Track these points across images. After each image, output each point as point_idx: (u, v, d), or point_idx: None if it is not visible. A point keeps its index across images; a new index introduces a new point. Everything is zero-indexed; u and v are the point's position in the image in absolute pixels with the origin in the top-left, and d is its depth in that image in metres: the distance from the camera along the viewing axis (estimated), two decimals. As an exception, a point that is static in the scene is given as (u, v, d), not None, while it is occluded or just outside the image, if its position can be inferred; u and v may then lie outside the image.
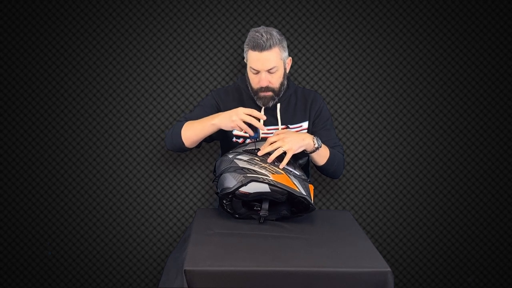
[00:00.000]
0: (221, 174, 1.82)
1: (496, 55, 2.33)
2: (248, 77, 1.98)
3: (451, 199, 2.39)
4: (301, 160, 1.94)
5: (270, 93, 1.95)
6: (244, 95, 2.03)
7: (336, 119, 2.36)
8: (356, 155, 2.37)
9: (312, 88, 2.34)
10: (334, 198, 2.40)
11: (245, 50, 1.94)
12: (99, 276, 2.40)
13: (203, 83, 2.34)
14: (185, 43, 2.32)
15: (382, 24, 2.33)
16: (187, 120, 1.97)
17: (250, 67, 1.92)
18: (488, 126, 2.36)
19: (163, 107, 2.34)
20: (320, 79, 2.34)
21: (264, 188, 1.74)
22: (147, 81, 2.33)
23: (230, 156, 1.82)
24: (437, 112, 2.36)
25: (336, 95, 2.35)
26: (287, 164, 1.79)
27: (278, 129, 2.00)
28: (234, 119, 1.78)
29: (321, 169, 1.99)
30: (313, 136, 1.86)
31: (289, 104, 2.03)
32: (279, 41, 1.90)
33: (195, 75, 2.34)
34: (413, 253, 2.41)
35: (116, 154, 2.36)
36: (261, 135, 1.98)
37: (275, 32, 1.90)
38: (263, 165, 1.76)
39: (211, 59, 2.33)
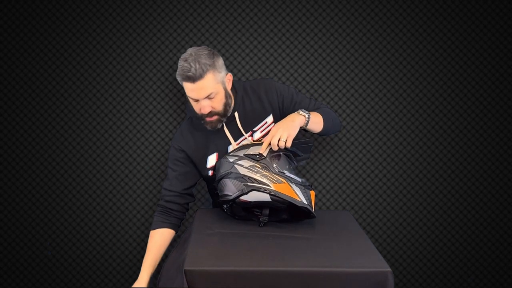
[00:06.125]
0: (221, 179, 1.80)
1: (496, 55, 2.33)
2: (189, 106, 1.94)
3: (451, 199, 2.39)
4: (303, 161, 1.94)
5: (215, 117, 1.89)
6: (200, 125, 1.97)
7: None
8: (356, 155, 2.37)
9: (312, 88, 2.34)
10: (334, 198, 2.40)
11: (179, 81, 1.87)
12: (99, 276, 2.39)
13: (203, 83, 2.34)
14: (185, 43, 2.32)
15: (382, 24, 2.33)
16: (164, 195, 2.00)
17: (189, 96, 1.86)
18: (488, 126, 2.36)
19: (163, 107, 2.34)
20: (320, 79, 2.34)
21: (265, 197, 1.73)
22: (147, 81, 2.33)
23: (231, 160, 1.80)
24: (437, 112, 2.35)
25: (336, 95, 2.35)
26: (289, 170, 1.78)
27: (246, 138, 1.97)
28: None
29: (323, 132, 1.96)
30: (297, 112, 1.83)
31: (244, 107, 1.97)
32: (209, 66, 1.81)
33: (195, 75, 2.34)
34: (413, 253, 2.41)
35: (116, 154, 2.36)
36: (236, 147, 1.94)
37: (203, 58, 1.81)
38: (265, 173, 1.74)
39: (211, 59, 2.33)
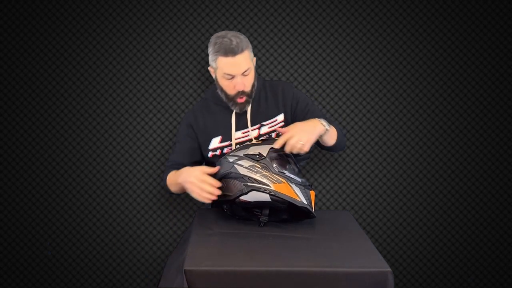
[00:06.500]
0: (220, 179, 1.80)
1: (496, 55, 2.33)
2: (220, 86, 1.95)
3: (451, 199, 2.39)
4: (303, 161, 1.94)
5: (245, 98, 1.93)
6: (213, 108, 2.00)
7: (336, 119, 2.36)
8: (356, 155, 2.37)
9: (312, 88, 2.34)
10: (334, 198, 2.40)
11: (212, 58, 1.90)
12: (99, 276, 2.40)
13: (203, 83, 2.34)
14: (185, 43, 2.32)
15: (382, 24, 2.33)
16: (172, 164, 1.99)
17: (224, 73, 1.89)
18: (488, 126, 2.36)
19: (163, 107, 2.34)
20: (320, 79, 2.34)
21: (265, 197, 1.73)
22: (147, 81, 2.33)
23: (230, 160, 1.80)
24: (437, 112, 2.36)
25: (336, 95, 2.35)
26: (289, 170, 1.78)
27: (249, 131, 1.98)
28: (203, 195, 1.78)
29: (332, 148, 1.96)
30: (318, 119, 1.83)
31: (259, 100, 2.00)
32: (246, 43, 1.89)
33: (195, 75, 2.34)
34: (413, 253, 2.41)
35: (116, 154, 2.36)
36: (237, 140, 1.97)
37: (241, 35, 1.90)
38: (264, 173, 1.74)
39: (211, 59, 2.33)
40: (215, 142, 2.00)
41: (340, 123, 2.36)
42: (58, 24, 2.30)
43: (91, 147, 2.35)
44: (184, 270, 1.48)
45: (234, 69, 1.88)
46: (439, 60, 2.34)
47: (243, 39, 1.89)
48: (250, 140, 1.96)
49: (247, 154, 1.79)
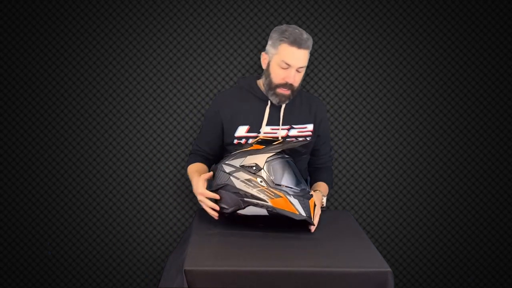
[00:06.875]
0: (217, 190, 1.79)
1: (496, 55, 2.33)
2: (269, 72, 1.97)
3: (451, 199, 2.39)
4: (304, 154, 1.94)
5: (289, 92, 1.96)
6: (247, 96, 2.04)
7: (336, 119, 2.36)
8: (356, 155, 2.37)
9: (312, 88, 2.34)
10: (334, 198, 2.40)
11: (274, 43, 1.93)
12: (99, 276, 2.40)
13: (203, 83, 2.34)
14: (185, 43, 2.32)
15: (382, 24, 2.33)
16: (195, 149, 2.09)
17: (282, 60, 1.92)
18: (488, 126, 2.36)
19: (163, 107, 2.34)
20: (320, 79, 2.34)
21: (262, 212, 1.72)
22: (147, 81, 2.33)
23: (227, 171, 1.77)
24: (437, 112, 2.36)
25: (336, 95, 2.35)
26: (287, 176, 1.76)
27: (278, 129, 2.00)
28: (209, 212, 1.84)
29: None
30: (321, 196, 1.97)
31: (294, 104, 2.04)
32: (311, 44, 1.94)
33: (195, 75, 2.34)
34: (413, 253, 2.41)
35: (116, 154, 2.36)
36: (263, 135, 1.99)
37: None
38: (261, 187, 1.71)
39: (211, 59, 2.33)
40: (241, 130, 2.01)
41: (340, 123, 2.36)
42: (58, 24, 2.30)
43: (91, 147, 2.35)
44: (184, 270, 1.48)
45: (294, 60, 1.91)
46: (439, 60, 2.34)
47: (311, 40, 1.93)
48: (277, 138, 1.98)
49: (243, 165, 1.75)
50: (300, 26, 2.32)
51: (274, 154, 1.76)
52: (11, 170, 2.34)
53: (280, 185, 1.73)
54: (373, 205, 2.39)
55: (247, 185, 1.72)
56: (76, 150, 2.34)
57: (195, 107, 2.34)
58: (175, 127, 2.35)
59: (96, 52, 2.31)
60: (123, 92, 2.33)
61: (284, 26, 1.94)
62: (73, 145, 2.34)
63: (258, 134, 1.99)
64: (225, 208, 1.76)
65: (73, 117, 2.33)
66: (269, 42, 1.96)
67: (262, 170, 1.73)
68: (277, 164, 1.76)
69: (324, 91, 2.35)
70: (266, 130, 1.99)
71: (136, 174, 2.36)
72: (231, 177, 1.75)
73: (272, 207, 1.69)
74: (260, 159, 1.75)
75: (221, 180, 1.77)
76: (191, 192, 2.38)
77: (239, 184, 1.73)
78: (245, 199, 1.71)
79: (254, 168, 1.73)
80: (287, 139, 2.01)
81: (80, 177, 2.36)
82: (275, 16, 2.32)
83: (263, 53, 2.00)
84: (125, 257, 2.39)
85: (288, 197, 1.71)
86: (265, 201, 1.70)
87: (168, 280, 1.61)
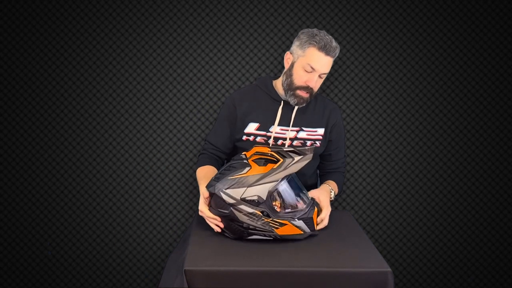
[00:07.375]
0: (219, 216, 1.72)
1: (496, 55, 2.33)
2: (291, 73, 1.98)
3: (451, 199, 2.39)
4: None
5: (307, 95, 1.98)
6: (261, 95, 2.06)
7: (336, 119, 2.36)
8: (356, 155, 2.37)
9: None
10: (334, 198, 2.39)
11: (304, 45, 1.94)
12: (99, 276, 2.40)
13: (203, 83, 2.34)
14: (185, 43, 2.32)
15: (382, 24, 2.33)
16: (207, 146, 2.08)
17: (308, 63, 1.93)
18: (488, 126, 2.36)
19: (163, 107, 2.34)
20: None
21: (268, 237, 1.71)
22: (147, 81, 2.33)
23: (228, 201, 1.67)
24: (437, 112, 2.35)
25: (336, 95, 2.35)
26: (291, 200, 1.72)
27: (288, 130, 2.02)
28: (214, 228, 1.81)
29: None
30: (330, 191, 1.99)
31: (307, 107, 2.05)
32: (337, 53, 1.96)
33: (195, 75, 2.34)
34: (413, 253, 2.41)
35: (116, 154, 2.36)
36: (274, 134, 2.01)
37: None
38: (266, 220, 1.66)
39: (211, 59, 2.33)
40: (251, 127, 2.03)
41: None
42: (58, 24, 2.30)
43: (91, 147, 2.35)
44: (184, 270, 1.48)
45: (319, 65, 1.93)
46: (439, 60, 2.34)
47: (338, 49, 1.96)
48: (285, 139, 2.00)
49: (244, 198, 1.66)
50: (300, 26, 2.33)
51: (274, 182, 1.67)
52: (11, 170, 2.34)
53: (284, 212, 1.69)
54: (373, 205, 2.39)
55: (251, 219, 1.67)
56: (76, 150, 2.34)
57: (195, 107, 2.34)
58: (175, 127, 2.35)
59: (96, 52, 2.31)
60: (123, 92, 2.33)
61: (315, 30, 1.95)
62: (73, 145, 2.34)
63: (267, 133, 2.01)
64: (229, 234, 1.74)
65: (74, 117, 2.33)
66: (296, 43, 1.97)
67: (265, 203, 1.66)
68: (280, 192, 1.70)
69: (324, 91, 2.35)
70: (276, 130, 2.01)
71: (136, 175, 2.36)
72: (232, 209, 1.68)
73: (278, 235, 1.69)
74: (261, 191, 1.66)
75: (222, 208, 1.70)
76: (191, 192, 2.38)
77: (242, 218, 1.67)
78: (249, 230, 1.68)
79: (256, 201, 1.66)
80: (295, 141, 2.02)
81: (80, 177, 2.35)
82: (275, 16, 2.32)
83: (287, 53, 2.01)
84: (125, 257, 2.39)
85: (293, 222, 1.68)
86: (271, 231, 1.68)
87: (168, 280, 1.61)
